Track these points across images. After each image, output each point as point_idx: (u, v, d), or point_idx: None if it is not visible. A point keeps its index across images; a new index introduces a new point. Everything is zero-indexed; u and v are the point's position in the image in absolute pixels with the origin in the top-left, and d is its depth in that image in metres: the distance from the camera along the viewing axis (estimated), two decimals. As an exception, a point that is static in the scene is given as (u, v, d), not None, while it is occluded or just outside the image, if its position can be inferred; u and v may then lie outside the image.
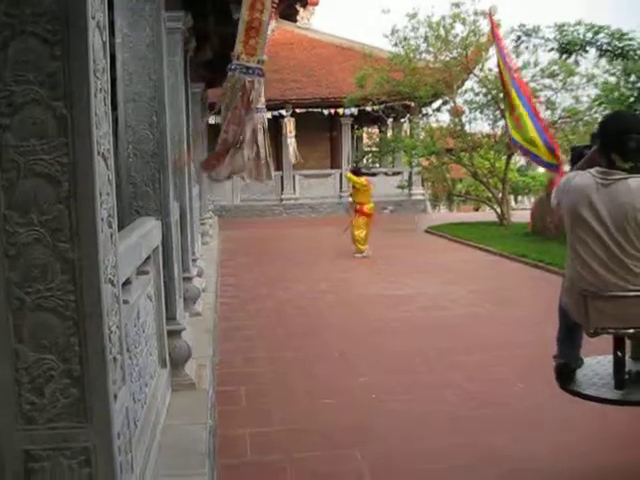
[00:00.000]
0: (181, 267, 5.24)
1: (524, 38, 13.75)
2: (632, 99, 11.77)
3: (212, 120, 20.91)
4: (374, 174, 24.33)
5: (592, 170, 3.42)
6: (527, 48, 14.84)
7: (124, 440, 2.00)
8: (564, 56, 12.66)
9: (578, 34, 11.95)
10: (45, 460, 1.83)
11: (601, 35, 11.80)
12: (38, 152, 1.73)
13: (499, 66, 15.23)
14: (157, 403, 3.43)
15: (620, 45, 11.72)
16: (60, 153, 1.74)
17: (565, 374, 3.88)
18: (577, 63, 13.30)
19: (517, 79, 14.49)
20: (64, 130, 1.73)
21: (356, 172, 13.45)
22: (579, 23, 12.11)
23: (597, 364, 3.94)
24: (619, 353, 3.58)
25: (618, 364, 3.61)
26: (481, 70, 18.85)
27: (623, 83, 12.44)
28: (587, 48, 12.10)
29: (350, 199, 13.80)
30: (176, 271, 4.41)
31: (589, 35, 11.85)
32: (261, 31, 4.73)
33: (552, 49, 12.66)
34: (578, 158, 3.76)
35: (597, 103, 15.67)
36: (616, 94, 12.38)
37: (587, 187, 3.37)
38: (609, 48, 11.84)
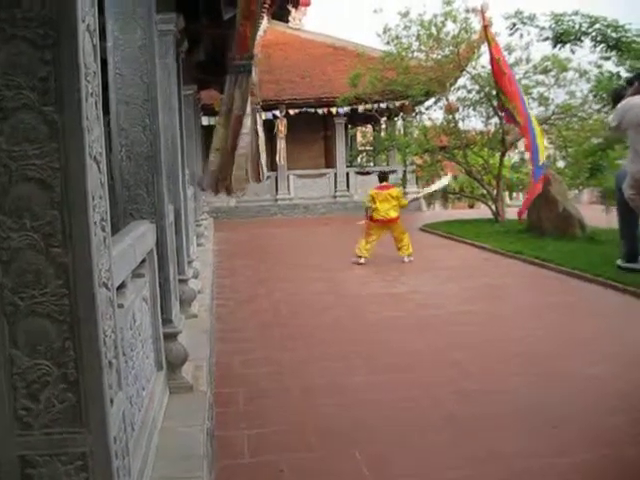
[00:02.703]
0: (177, 269, 5.23)
1: (519, 25, 13.64)
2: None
3: (205, 121, 20.96)
4: (368, 172, 24.40)
5: None
6: (521, 36, 14.69)
7: (121, 444, 2.00)
8: (558, 46, 12.55)
9: (574, 24, 11.85)
10: (41, 466, 1.83)
11: (597, 26, 11.71)
12: (30, 157, 1.72)
13: (491, 62, 15.24)
14: (154, 406, 3.42)
15: (616, 36, 11.63)
16: (52, 158, 1.73)
17: (630, 256, 5.20)
18: (572, 52, 13.20)
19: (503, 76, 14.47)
20: (55, 135, 1.73)
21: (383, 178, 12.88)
22: (576, 13, 12.02)
23: None
24: None
25: None
26: (474, 68, 18.89)
27: (616, 77, 12.40)
28: (582, 38, 12.01)
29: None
30: (171, 273, 4.39)
31: (585, 25, 11.75)
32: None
33: (547, 38, 12.56)
34: (618, 97, 4.86)
35: (592, 94, 15.63)
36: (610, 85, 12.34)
37: None
38: (604, 39, 11.76)
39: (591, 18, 11.83)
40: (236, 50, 4.91)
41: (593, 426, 4.48)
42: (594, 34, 11.69)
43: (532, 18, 13.27)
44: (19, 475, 1.82)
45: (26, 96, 1.71)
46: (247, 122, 5.06)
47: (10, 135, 1.71)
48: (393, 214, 12.32)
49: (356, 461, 4.09)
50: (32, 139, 1.72)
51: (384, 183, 12.77)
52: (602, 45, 11.88)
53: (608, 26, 11.64)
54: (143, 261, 3.54)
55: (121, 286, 2.75)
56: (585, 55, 13.52)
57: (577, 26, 11.79)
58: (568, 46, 12.42)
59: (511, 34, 14.83)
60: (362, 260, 12.19)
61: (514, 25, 13.65)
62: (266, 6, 4.85)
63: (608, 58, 12.91)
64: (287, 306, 8.83)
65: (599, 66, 14.07)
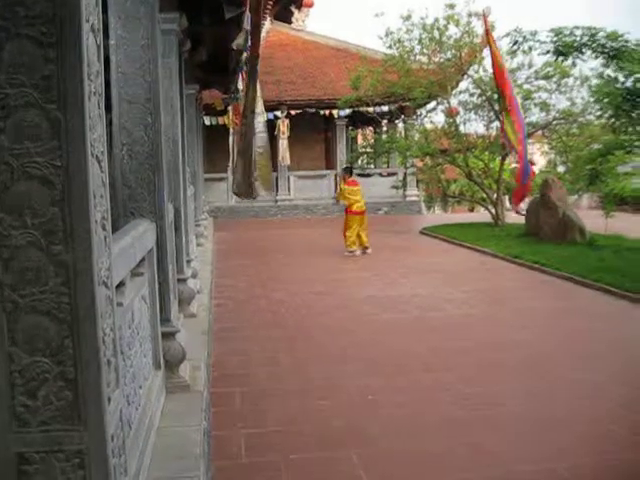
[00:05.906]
0: (175, 269, 5.23)
1: (520, 41, 13.74)
2: (620, 99, 11.79)
3: (207, 121, 20.98)
4: (368, 175, 24.41)
5: None
6: (524, 51, 14.85)
7: (118, 442, 2.00)
8: (560, 58, 12.65)
9: (575, 36, 11.94)
10: (38, 463, 1.83)
11: (597, 37, 11.80)
12: (32, 155, 1.72)
13: (493, 66, 15.28)
14: (151, 405, 3.42)
15: (616, 46, 11.71)
16: (54, 156, 1.73)
17: None
18: (574, 64, 13.31)
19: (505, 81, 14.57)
20: (58, 133, 1.73)
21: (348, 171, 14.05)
22: (576, 27, 12.12)
23: None
24: None
25: None
26: (476, 72, 18.90)
27: (615, 83, 12.45)
28: (583, 50, 12.10)
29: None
30: (170, 273, 4.40)
31: (585, 38, 11.83)
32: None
33: (548, 52, 12.65)
34: None
35: (593, 101, 15.72)
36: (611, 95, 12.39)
37: None
38: (604, 50, 11.83)
39: (591, 30, 11.90)
40: (252, 52, 4.99)
41: (592, 431, 4.49)
42: (594, 46, 11.77)
43: (534, 34, 13.37)
44: (15, 471, 1.82)
45: (29, 94, 1.71)
46: (261, 120, 5.14)
47: (12, 133, 1.71)
48: (365, 207, 13.64)
49: (353, 463, 4.09)
50: (34, 137, 1.72)
51: (352, 178, 13.95)
52: (602, 55, 11.97)
53: (608, 37, 11.72)
54: (142, 260, 3.54)
55: (120, 285, 2.75)
56: (587, 62, 13.61)
57: (578, 39, 11.86)
58: (570, 59, 12.55)
59: (513, 51, 15.02)
60: (358, 252, 13.28)
61: (516, 42, 13.76)
62: (269, 6, 4.90)
63: (607, 65, 13.00)
64: (286, 307, 8.83)
65: (600, 73, 14.12)
